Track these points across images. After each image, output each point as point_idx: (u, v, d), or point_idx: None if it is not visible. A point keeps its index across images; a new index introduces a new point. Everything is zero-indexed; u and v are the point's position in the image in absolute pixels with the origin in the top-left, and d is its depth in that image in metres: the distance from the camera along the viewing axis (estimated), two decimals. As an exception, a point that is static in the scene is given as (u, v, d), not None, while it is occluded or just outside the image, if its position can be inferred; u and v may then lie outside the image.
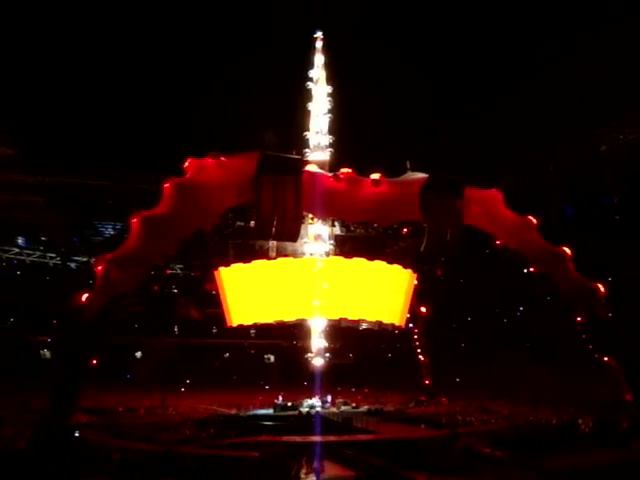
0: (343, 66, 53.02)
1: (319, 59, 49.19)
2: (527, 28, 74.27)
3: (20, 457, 24.93)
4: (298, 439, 29.58)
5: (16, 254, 68.02)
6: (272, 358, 70.23)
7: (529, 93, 66.78)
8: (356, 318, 40.69)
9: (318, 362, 45.47)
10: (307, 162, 42.17)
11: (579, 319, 38.72)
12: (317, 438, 30.04)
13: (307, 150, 47.30)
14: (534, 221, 38.72)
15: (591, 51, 61.07)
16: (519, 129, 67.74)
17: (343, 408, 43.08)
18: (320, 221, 44.67)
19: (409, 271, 41.51)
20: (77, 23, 71.11)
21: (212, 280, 41.90)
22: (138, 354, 64.15)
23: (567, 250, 38.67)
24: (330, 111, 48.36)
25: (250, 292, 40.17)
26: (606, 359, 37.37)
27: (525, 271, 40.88)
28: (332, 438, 30.29)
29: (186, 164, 34.18)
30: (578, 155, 63.11)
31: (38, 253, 68.57)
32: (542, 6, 71.50)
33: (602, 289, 38.35)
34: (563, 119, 63.69)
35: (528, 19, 74.21)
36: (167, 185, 33.19)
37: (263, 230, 35.16)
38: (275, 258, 40.26)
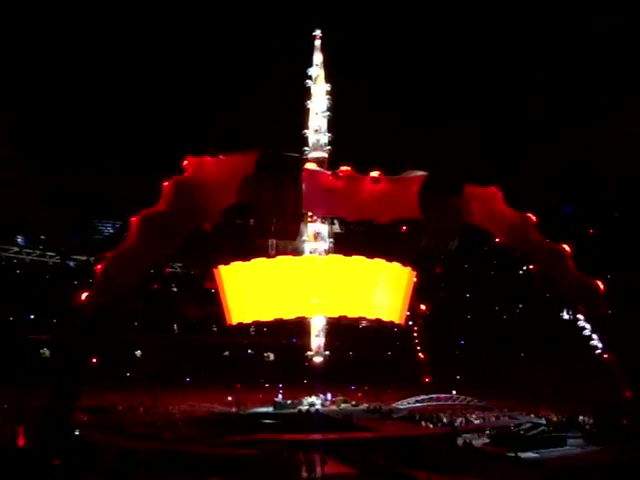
0: (342, 64, 53.04)
1: (318, 57, 49.07)
2: (526, 27, 74.30)
3: (21, 455, 24.97)
4: (298, 437, 29.55)
5: (16, 253, 67.93)
6: (272, 356, 70.13)
7: (528, 90, 66.84)
8: (356, 316, 40.62)
9: (318, 360, 45.47)
10: (306, 160, 42.29)
11: (579, 316, 38.77)
12: (317, 436, 30.03)
13: (306, 148, 47.23)
14: (533, 218, 38.75)
15: (590, 48, 61.16)
16: (518, 127, 67.83)
17: (343, 406, 43.06)
18: (319, 219, 44.63)
19: (408, 269, 41.45)
20: (83, 23, 71.09)
21: (212, 278, 41.86)
22: (138, 352, 64.05)
23: (566, 247, 38.69)
24: (329, 109, 48.26)
25: (250, 290, 40.09)
26: (606, 356, 37.42)
27: (524, 268, 40.94)
28: (332, 436, 30.28)
29: (185, 162, 34.27)
30: (577, 152, 63.12)
31: (38, 252, 68.43)
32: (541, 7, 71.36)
33: (601, 286, 38.37)
34: (562, 116, 63.80)
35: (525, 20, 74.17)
36: (166, 183, 33.30)
37: (262, 228, 35.24)
38: (275, 256, 40.19)
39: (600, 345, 37.93)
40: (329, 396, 44.31)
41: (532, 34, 72.80)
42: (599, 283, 38.45)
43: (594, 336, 38.22)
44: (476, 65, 74.76)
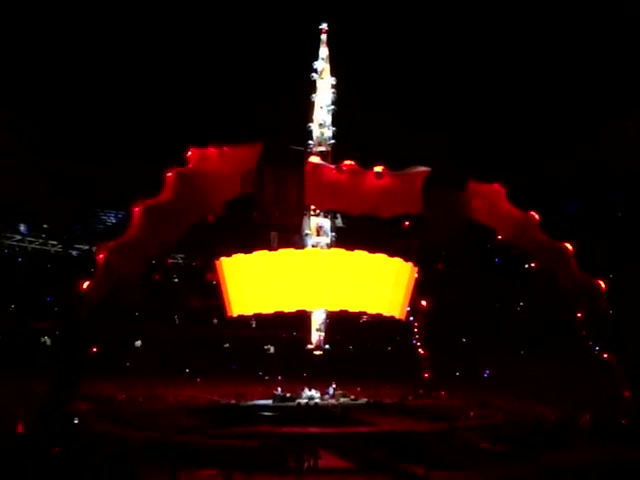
0: (348, 58, 52.82)
1: (324, 51, 48.91)
2: (533, 23, 73.92)
3: (20, 444, 25.04)
4: (296, 430, 29.62)
5: (18, 241, 68.03)
6: (272, 349, 70.14)
7: (534, 84, 66.58)
8: (356, 310, 40.65)
9: (318, 354, 45.54)
10: (310, 153, 42.30)
11: (580, 315, 38.75)
12: (315, 429, 30.10)
13: (310, 142, 47.18)
14: (536, 217, 38.75)
15: (600, 45, 60.84)
16: (523, 122, 67.60)
17: (342, 400, 43.11)
18: (322, 213, 44.65)
19: (410, 264, 41.46)
20: (85, 14, 70.82)
21: (213, 270, 41.90)
22: (138, 343, 64.10)
23: (569, 246, 38.67)
24: (334, 103, 48.15)
25: (251, 283, 40.07)
26: (606, 356, 37.42)
27: (526, 266, 40.93)
28: (330, 430, 30.34)
29: (189, 153, 34.31)
30: (583, 149, 62.89)
31: (40, 240, 68.52)
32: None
33: (603, 285, 38.36)
34: (568, 112, 63.55)
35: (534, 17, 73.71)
36: (170, 174, 33.35)
37: (265, 221, 35.28)
38: (276, 249, 40.21)
39: (600, 344, 37.97)
40: (331, 390, 44.36)
41: (546, 29, 72.28)
42: (601, 282, 38.44)
43: (594, 335, 38.26)
44: (484, 60, 74.33)
